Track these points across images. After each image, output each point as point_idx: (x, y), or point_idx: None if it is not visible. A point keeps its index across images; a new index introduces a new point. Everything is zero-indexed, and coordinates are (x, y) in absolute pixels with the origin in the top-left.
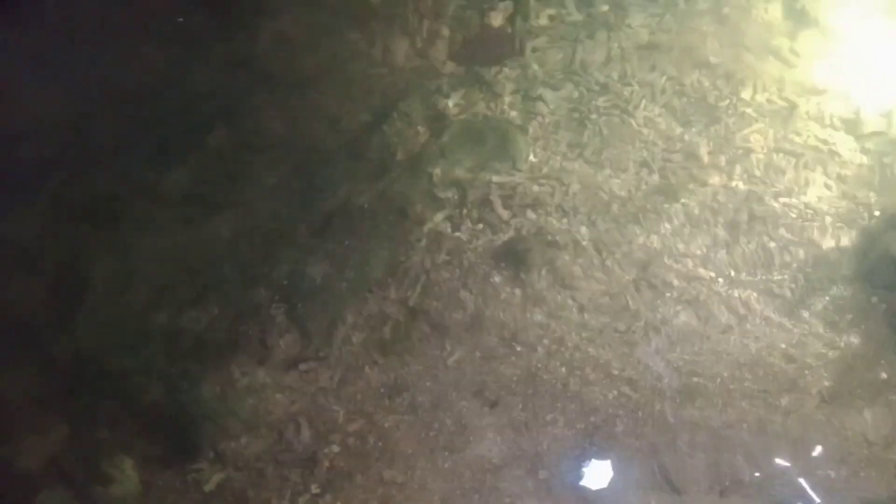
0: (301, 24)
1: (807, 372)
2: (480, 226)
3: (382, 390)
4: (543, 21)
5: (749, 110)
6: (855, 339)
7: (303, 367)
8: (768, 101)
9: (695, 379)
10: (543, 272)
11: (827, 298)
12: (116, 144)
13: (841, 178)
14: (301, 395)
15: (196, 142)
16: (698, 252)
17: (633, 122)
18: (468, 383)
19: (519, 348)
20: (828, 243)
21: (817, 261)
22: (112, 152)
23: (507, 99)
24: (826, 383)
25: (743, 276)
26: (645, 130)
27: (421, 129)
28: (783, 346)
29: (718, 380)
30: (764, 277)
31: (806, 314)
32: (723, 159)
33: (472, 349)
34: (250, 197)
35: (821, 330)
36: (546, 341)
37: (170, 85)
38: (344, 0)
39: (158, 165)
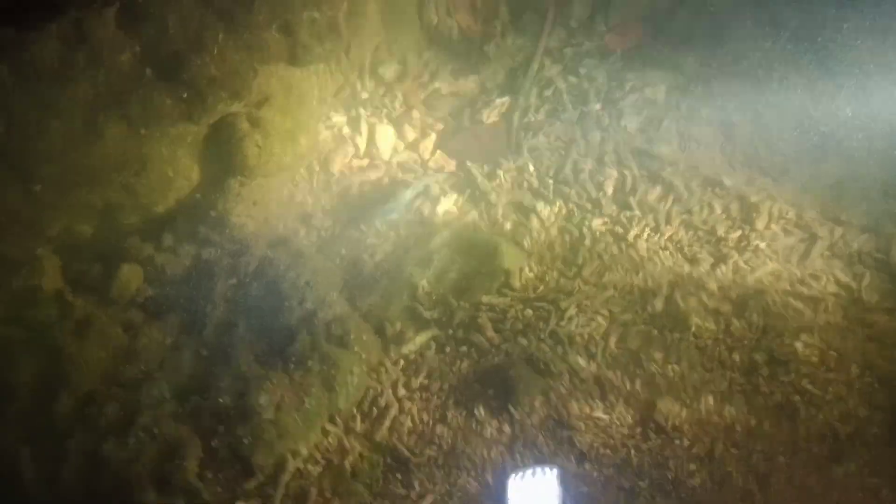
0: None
1: None
2: (465, 348)
3: None
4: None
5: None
6: None
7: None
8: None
9: None
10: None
11: (863, 458)
12: None
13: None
14: None
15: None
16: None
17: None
18: None
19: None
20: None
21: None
22: None
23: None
24: None
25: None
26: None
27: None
28: None
29: None
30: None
31: (840, 473)
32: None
33: (448, 494)
34: (202, 300)
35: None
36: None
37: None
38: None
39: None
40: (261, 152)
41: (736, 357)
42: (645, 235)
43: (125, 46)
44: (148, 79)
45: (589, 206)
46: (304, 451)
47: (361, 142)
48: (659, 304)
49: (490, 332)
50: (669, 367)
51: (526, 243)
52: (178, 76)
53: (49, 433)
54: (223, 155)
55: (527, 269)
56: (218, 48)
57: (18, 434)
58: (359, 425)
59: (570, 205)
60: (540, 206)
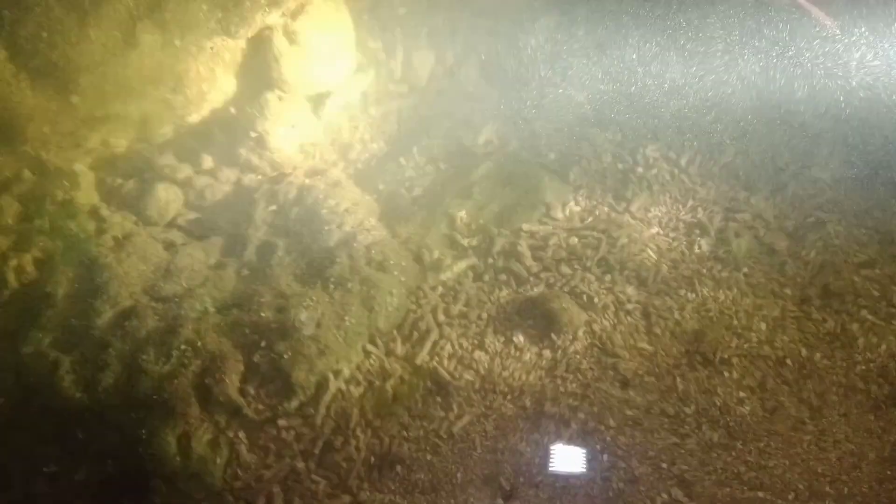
0: None
1: None
2: (504, 276)
3: (373, 459)
4: None
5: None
6: None
7: (282, 423)
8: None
9: (759, 494)
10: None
11: None
12: None
13: None
14: (277, 458)
15: (189, 157)
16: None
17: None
18: (477, 462)
19: (546, 422)
20: None
21: None
22: None
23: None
24: None
25: (818, 357)
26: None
27: (443, 165)
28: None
29: (792, 494)
30: (843, 364)
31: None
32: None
33: (485, 416)
34: (242, 223)
35: None
36: (581, 415)
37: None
38: None
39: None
40: (297, 71)
41: (788, 291)
42: (698, 161)
43: None
44: None
45: (645, 131)
46: (347, 371)
47: (397, 66)
48: (705, 245)
49: (529, 261)
50: (721, 292)
51: (572, 175)
52: None
53: (89, 343)
54: (261, 70)
55: (572, 203)
56: None
57: (58, 343)
58: (399, 348)
59: (627, 130)
60: (594, 132)
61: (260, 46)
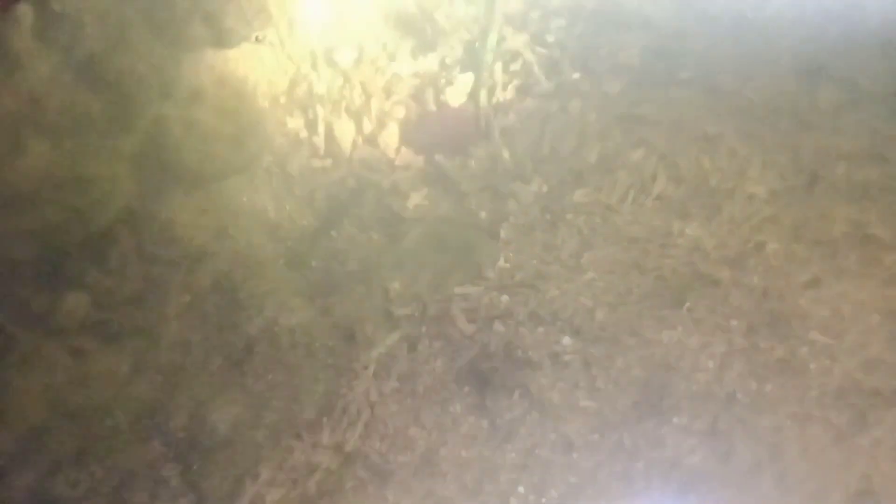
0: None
1: None
2: (439, 343)
3: None
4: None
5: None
6: None
7: None
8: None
9: None
10: (516, 397)
11: (893, 416)
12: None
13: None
14: None
15: (95, 258)
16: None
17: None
18: None
19: (486, 499)
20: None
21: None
22: None
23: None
24: None
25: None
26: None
27: (375, 235)
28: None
29: None
30: (796, 393)
31: (865, 442)
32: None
33: (423, 499)
34: (155, 322)
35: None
36: (522, 489)
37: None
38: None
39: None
40: (200, 157)
41: (734, 323)
42: (630, 197)
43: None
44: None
45: (570, 178)
46: (265, 473)
47: (320, 141)
48: (648, 284)
49: (463, 323)
50: (664, 333)
51: (503, 231)
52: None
53: None
54: (163, 163)
55: (502, 261)
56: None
57: None
58: (326, 437)
59: (552, 181)
60: (517, 186)
61: (157, 138)
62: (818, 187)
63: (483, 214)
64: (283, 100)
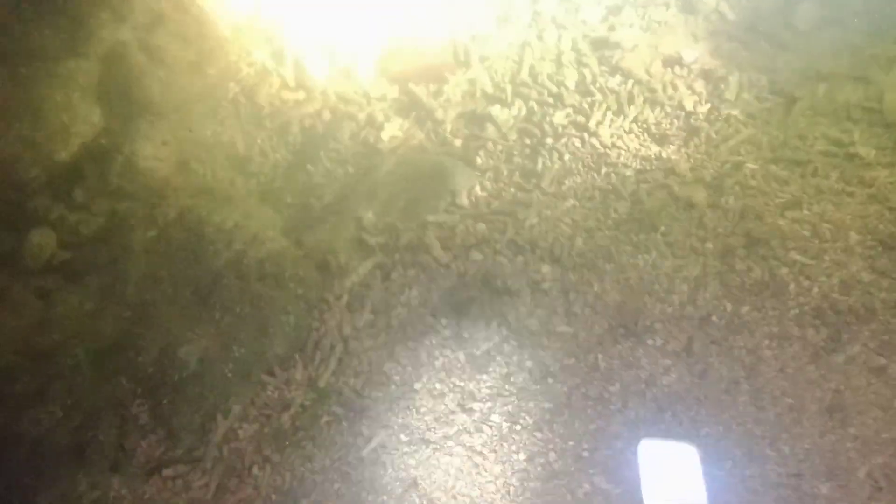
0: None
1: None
2: (413, 271)
3: (275, 497)
4: None
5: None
6: None
7: (168, 472)
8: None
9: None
10: (494, 326)
11: (866, 333)
12: None
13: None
14: None
15: (59, 194)
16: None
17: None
18: (391, 481)
19: (459, 429)
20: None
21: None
22: None
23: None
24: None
25: (745, 310)
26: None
27: (351, 168)
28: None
29: (730, 462)
30: (775, 313)
31: (840, 359)
32: (707, 175)
33: (397, 433)
34: (121, 258)
35: (858, 378)
36: (496, 417)
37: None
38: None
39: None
40: (162, 86)
41: (709, 245)
42: (608, 120)
43: None
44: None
45: (551, 100)
46: (238, 408)
47: (288, 72)
48: (623, 208)
49: (438, 251)
50: (640, 258)
51: (479, 158)
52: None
53: None
54: (122, 93)
55: (478, 188)
56: None
57: None
58: (300, 373)
59: (531, 103)
60: (496, 110)
61: (116, 65)
62: (796, 108)
63: (458, 143)
64: (245, 28)
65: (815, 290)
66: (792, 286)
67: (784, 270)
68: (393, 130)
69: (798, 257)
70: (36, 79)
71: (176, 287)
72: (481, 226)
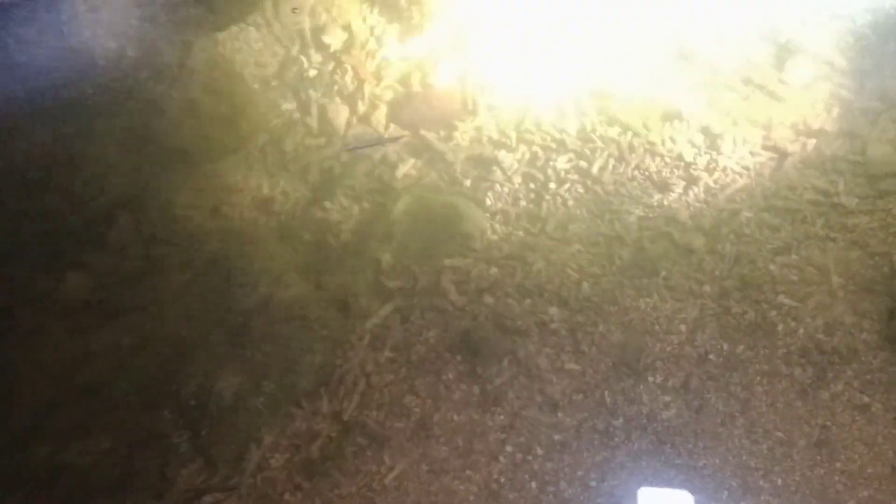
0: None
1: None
2: (431, 314)
3: None
4: None
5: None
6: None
7: (207, 499)
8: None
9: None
10: (505, 363)
11: (850, 373)
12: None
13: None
14: None
15: (95, 238)
16: (684, 328)
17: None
18: None
19: (476, 458)
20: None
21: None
22: None
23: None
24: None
25: (740, 350)
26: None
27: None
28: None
29: (726, 493)
30: (765, 352)
31: (825, 396)
32: (706, 222)
33: (417, 462)
34: (156, 299)
35: (843, 415)
36: (510, 447)
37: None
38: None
39: (53, 271)
40: (197, 138)
41: (707, 288)
42: (610, 167)
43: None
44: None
45: (553, 145)
46: (269, 438)
47: (313, 122)
48: (626, 254)
49: (454, 295)
50: (641, 300)
51: (489, 199)
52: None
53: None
54: (159, 145)
55: (489, 231)
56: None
57: None
58: (325, 406)
59: (535, 148)
60: (502, 154)
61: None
62: (788, 161)
63: (468, 182)
64: (274, 82)
65: (801, 331)
66: (780, 327)
67: (773, 312)
68: (406, 169)
69: (786, 300)
70: (76, 134)
71: (209, 327)
72: (494, 270)
